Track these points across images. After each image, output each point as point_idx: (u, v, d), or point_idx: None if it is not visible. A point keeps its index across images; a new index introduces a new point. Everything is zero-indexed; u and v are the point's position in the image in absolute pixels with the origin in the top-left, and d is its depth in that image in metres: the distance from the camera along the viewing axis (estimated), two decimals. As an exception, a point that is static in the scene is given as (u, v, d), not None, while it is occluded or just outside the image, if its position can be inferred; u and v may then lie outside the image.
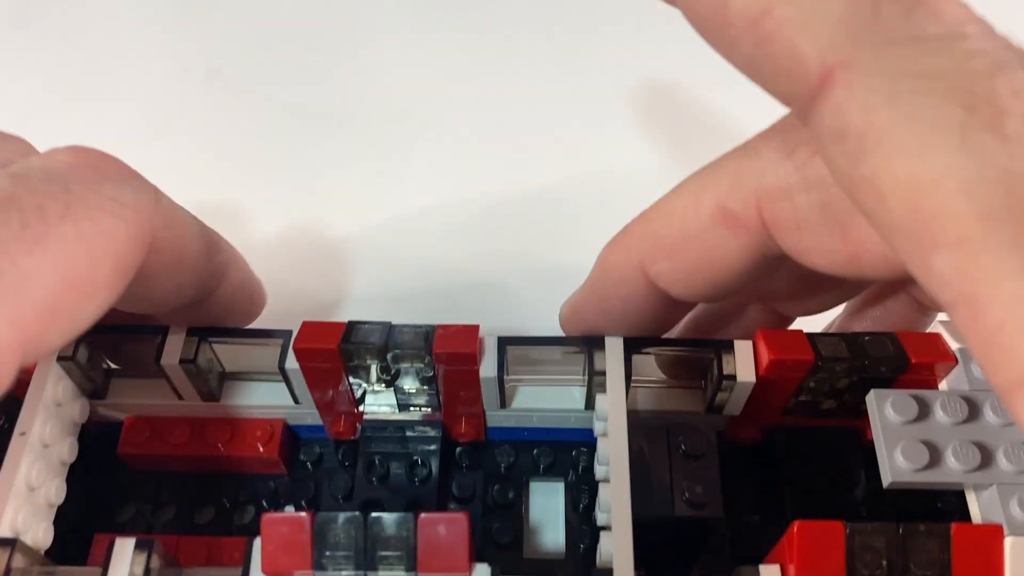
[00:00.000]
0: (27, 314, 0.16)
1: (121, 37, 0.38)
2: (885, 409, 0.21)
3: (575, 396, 0.25)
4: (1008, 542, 0.19)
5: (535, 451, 0.27)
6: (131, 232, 0.18)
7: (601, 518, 0.22)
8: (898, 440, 0.21)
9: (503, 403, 0.25)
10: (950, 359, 0.22)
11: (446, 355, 0.22)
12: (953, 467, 0.20)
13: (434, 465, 0.26)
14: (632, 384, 0.24)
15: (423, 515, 0.20)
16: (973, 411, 0.21)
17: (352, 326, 0.23)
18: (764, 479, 0.26)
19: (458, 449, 0.27)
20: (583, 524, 0.26)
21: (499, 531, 0.26)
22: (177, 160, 0.35)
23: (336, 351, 0.22)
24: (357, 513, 0.20)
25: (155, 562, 0.21)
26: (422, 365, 0.23)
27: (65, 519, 0.23)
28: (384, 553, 0.20)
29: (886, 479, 0.21)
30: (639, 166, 0.35)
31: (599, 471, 0.23)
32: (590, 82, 0.38)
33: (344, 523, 0.20)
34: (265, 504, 0.26)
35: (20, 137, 0.21)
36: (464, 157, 0.35)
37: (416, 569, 0.20)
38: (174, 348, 0.23)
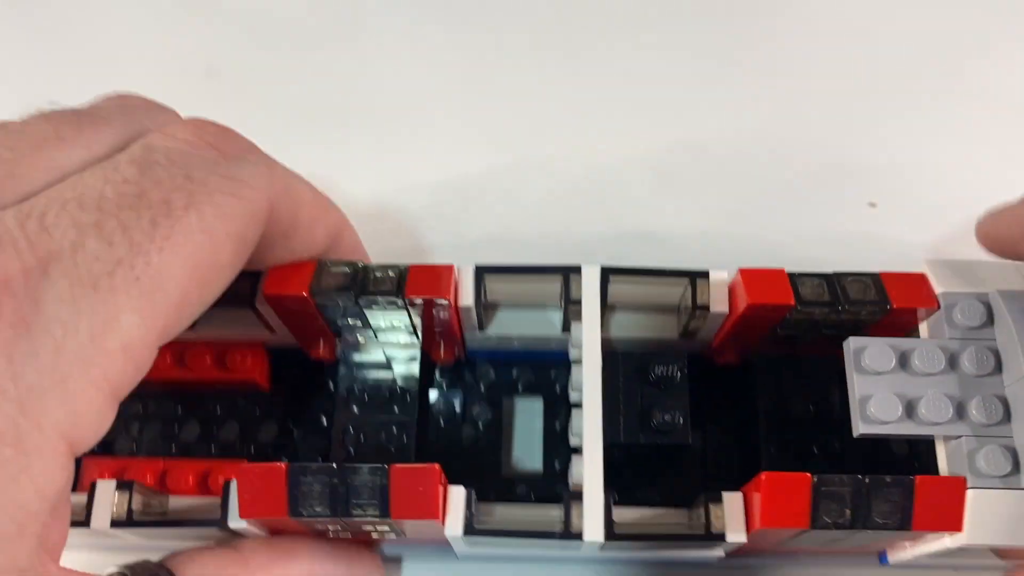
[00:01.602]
0: (162, 311, 0.17)
1: (121, 35, 0.37)
2: (862, 359, 0.21)
3: (553, 321, 0.25)
4: (970, 495, 0.20)
5: (515, 370, 0.27)
6: (250, 209, 0.18)
7: (574, 440, 0.22)
8: (872, 391, 0.21)
9: (481, 326, 0.25)
10: (932, 303, 0.22)
11: (419, 300, 0.22)
12: (925, 418, 0.21)
13: (413, 387, 0.26)
14: (607, 308, 0.24)
15: (395, 466, 0.20)
16: (951, 362, 0.21)
17: (321, 267, 0.22)
18: (740, 402, 0.26)
19: (437, 369, 0.27)
20: (560, 443, 0.26)
21: (478, 449, 0.26)
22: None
23: (307, 298, 0.22)
24: (332, 465, 0.20)
25: (137, 502, 0.22)
26: (396, 308, 0.22)
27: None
28: (358, 501, 0.20)
29: (856, 430, 0.21)
30: (643, 168, 0.34)
31: (573, 396, 0.23)
32: (591, 81, 0.36)
33: (319, 473, 0.20)
34: (249, 421, 0.27)
35: (171, 109, 0.21)
36: (465, 157, 0.34)
37: (390, 515, 0.20)
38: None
